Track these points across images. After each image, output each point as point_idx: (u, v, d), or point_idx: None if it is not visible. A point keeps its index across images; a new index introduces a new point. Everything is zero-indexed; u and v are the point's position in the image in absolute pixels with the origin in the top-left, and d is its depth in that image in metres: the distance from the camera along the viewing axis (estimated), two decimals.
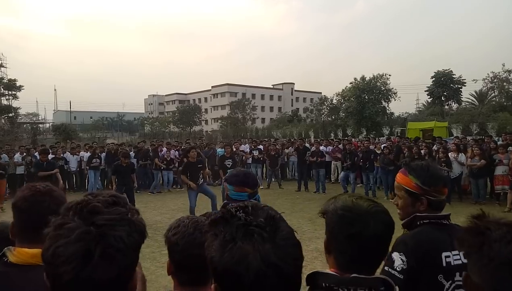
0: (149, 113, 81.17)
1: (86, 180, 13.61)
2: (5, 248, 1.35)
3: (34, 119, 53.27)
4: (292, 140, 18.18)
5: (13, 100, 36.25)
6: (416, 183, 1.72)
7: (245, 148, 15.01)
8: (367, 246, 1.11)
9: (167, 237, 1.40)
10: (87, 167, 12.95)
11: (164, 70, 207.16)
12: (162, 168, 13.14)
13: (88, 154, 13.40)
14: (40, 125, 51.49)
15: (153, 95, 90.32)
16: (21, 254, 1.32)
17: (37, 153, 11.96)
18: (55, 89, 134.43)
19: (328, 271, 1.13)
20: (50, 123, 57.35)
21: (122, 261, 0.76)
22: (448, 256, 1.62)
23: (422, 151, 10.39)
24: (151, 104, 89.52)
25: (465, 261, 1.57)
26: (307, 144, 14.41)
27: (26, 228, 1.35)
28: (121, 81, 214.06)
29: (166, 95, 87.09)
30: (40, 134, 44.21)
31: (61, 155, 12.76)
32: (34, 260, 1.31)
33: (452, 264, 1.62)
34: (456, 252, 1.62)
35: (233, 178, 2.26)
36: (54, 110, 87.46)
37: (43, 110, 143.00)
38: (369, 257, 1.13)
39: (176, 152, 14.02)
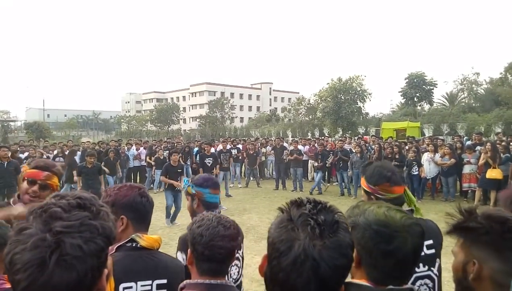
0: (126, 112, 79.75)
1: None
2: (133, 235, 1.58)
3: (5, 117, 51.50)
4: (266, 139, 18.24)
5: None
6: (367, 183, 1.90)
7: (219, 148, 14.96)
8: (404, 260, 1.08)
9: (191, 229, 1.52)
10: None
11: (141, 68, 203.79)
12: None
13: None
14: (11, 123, 49.77)
15: (130, 93, 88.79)
16: (149, 239, 1.61)
17: None
18: (27, 86, 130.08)
19: (361, 282, 1.09)
20: (22, 122, 55.50)
21: (81, 267, 0.75)
22: None
23: (395, 150, 10.76)
24: (128, 102, 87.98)
25: (427, 252, 1.75)
26: (285, 144, 14.62)
27: None
28: (97, 78, 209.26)
29: (143, 93, 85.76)
30: (11, 133, 42.76)
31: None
32: (156, 244, 1.64)
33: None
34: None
35: (208, 182, 2.30)
36: (27, 107, 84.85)
37: (14, 108, 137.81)
38: (405, 270, 1.11)
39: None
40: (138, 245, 1.57)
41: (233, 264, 2.04)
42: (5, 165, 8.05)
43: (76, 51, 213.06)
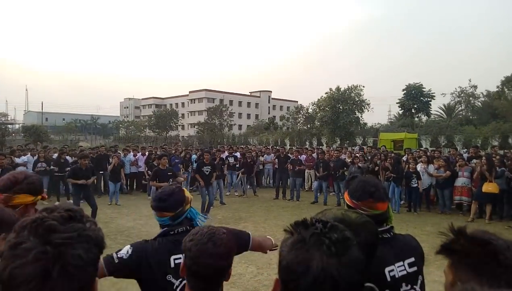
0: (125, 117, 79.65)
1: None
2: None
3: (3, 119, 51.40)
4: (265, 148, 18.04)
5: None
6: (350, 198, 1.80)
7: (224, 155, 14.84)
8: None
9: (184, 242, 1.46)
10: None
11: (141, 74, 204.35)
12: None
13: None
14: (9, 126, 49.59)
15: (129, 98, 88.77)
16: None
17: None
18: (26, 89, 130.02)
19: None
20: (20, 124, 55.35)
21: (82, 276, 0.78)
22: (392, 270, 1.67)
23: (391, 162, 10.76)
24: (127, 107, 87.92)
25: (410, 270, 1.72)
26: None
27: None
28: (97, 83, 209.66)
29: (142, 99, 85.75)
30: (9, 135, 42.61)
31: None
32: None
33: (397, 276, 1.67)
34: (400, 263, 1.71)
35: (154, 203, 2.10)
36: (25, 111, 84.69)
37: (13, 110, 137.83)
38: None
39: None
40: None
41: None
42: None
43: (76, 55, 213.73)
